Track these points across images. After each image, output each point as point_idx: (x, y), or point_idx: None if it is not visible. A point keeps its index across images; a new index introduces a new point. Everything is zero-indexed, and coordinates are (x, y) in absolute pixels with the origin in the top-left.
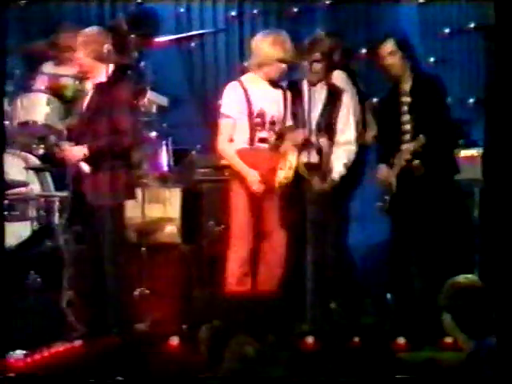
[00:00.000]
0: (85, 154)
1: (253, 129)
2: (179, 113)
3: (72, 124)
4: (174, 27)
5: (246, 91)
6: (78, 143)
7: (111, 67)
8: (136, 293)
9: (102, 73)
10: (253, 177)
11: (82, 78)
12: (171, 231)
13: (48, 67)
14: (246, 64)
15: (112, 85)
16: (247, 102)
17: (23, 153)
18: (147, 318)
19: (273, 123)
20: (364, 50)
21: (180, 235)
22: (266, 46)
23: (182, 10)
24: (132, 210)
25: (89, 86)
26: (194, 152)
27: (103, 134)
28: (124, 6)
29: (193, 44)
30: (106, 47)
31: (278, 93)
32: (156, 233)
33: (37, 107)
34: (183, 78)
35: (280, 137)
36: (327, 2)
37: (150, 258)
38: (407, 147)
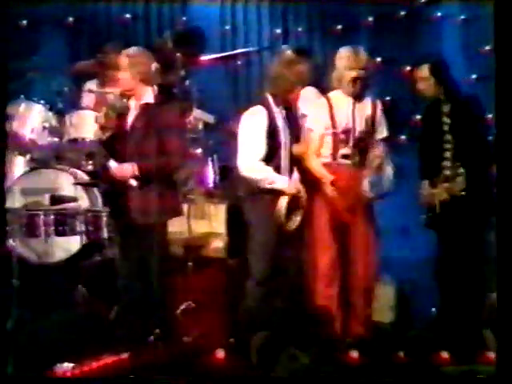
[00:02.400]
0: (134, 173)
1: (336, 145)
2: (225, 130)
3: (108, 139)
4: (220, 45)
5: (331, 107)
6: (122, 161)
7: (156, 88)
8: (183, 306)
9: (148, 93)
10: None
11: (128, 96)
12: (217, 246)
13: (92, 85)
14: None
15: (159, 106)
16: (331, 119)
17: (72, 169)
18: (194, 332)
19: (360, 139)
20: (408, 68)
21: (226, 250)
22: (340, 62)
23: (227, 28)
24: (178, 225)
25: (132, 105)
26: None
27: (151, 154)
28: (170, 25)
29: (238, 62)
30: (154, 66)
31: (366, 107)
32: (202, 248)
33: (85, 124)
34: (229, 96)
35: (364, 153)
36: (370, 19)
37: (196, 273)
38: (446, 186)
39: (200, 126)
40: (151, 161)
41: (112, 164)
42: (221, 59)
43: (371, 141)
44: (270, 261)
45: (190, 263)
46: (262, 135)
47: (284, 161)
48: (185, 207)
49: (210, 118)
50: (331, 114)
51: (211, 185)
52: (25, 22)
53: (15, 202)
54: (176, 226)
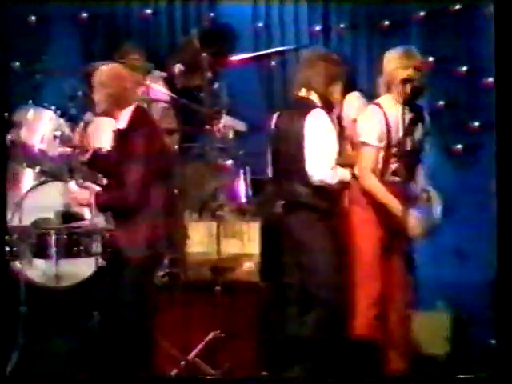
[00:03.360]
0: (89, 201)
1: (388, 159)
2: (258, 139)
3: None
4: (252, 44)
5: (385, 116)
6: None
7: (130, 111)
8: (210, 336)
9: (123, 117)
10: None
11: (147, 100)
12: (249, 268)
13: None
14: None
15: (129, 132)
16: (387, 130)
17: (87, 183)
18: (222, 364)
19: (410, 152)
20: (464, 68)
21: (259, 273)
22: (390, 64)
23: (260, 25)
24: (207, 246)
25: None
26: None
27: (114, 184)
28: (197, 22)
29: (273, 62)
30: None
31: (415, 116)
32: (232, 270)
33: (102, 133)
34: (263, 100)
35: (411, 169)
36: (421, 14)
37: (225, 298)
38: None
39: (230, 135)
40: (108, 194)
41: (72, 186)
42: (253, 59)
43: (418, 155)
44: (341, 285)
45: (218, 287)
46: (333, 139)
47: None
48: (213, 225)
49: (242, 126)
50: (387, 124)
51: (243, 200)
52: (33, 17)
53: (23, 219)
54: (204, 247)
